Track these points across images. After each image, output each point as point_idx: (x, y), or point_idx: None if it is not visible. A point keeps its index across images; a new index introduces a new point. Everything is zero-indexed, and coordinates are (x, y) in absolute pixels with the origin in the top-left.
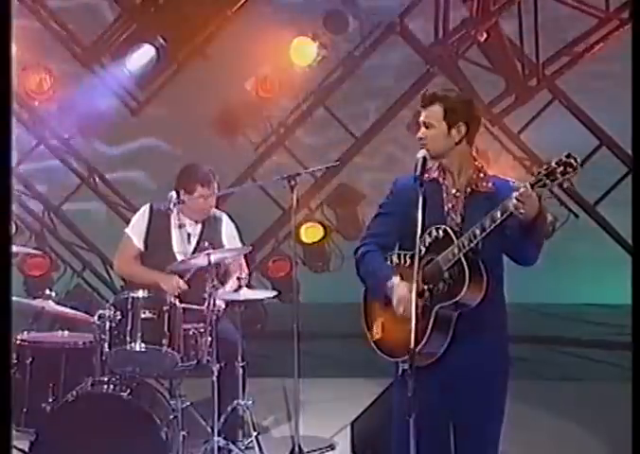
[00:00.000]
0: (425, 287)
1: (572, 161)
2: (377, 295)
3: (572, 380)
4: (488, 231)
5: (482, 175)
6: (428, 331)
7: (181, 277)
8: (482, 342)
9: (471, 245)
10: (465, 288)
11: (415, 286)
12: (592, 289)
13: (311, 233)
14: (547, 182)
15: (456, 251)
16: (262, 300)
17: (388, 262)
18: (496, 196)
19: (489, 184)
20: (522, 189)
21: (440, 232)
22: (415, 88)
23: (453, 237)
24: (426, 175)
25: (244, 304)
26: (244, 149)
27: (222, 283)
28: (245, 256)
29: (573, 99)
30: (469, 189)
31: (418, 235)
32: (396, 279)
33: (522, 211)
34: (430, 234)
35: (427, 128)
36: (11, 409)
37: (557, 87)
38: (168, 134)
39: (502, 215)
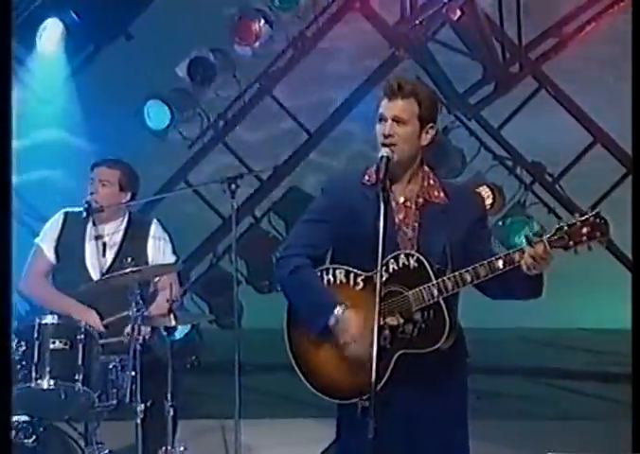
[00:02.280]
0: (385, 322)
1: (602, 224)
2: (313, 324)
3: (565, 419)
4: (481, 280)
5: (432, 182)
6: (384, 379)
7: (97, 299)
8: (445, 392)
9: (455, 291)
10: (444, 338)
11: (376, 323)
12: (587, 313)
13: (257, 245)
14: (570, 243)
15: (436, 293)
16: (197, 325)
17: (329, 277)
18: (452, 208)
19: (441, 194)
20: (537, 247)
21: (411, 260)
22: (377, 75)
23: (430, 273)
24: (366, 177)
25: (176, 330)
26: (176, 147)
27: (149, 306)
28: (178, 273)
29: (562, 89)
30: (420, 200)
31: (380, 255)
32: (342, 309)
33: (534, 271)
34: (396, 259)
35: (399, 123)
36: (11, 410)
37: (543, 74)
38: (80, 127)
39: (504, 266)
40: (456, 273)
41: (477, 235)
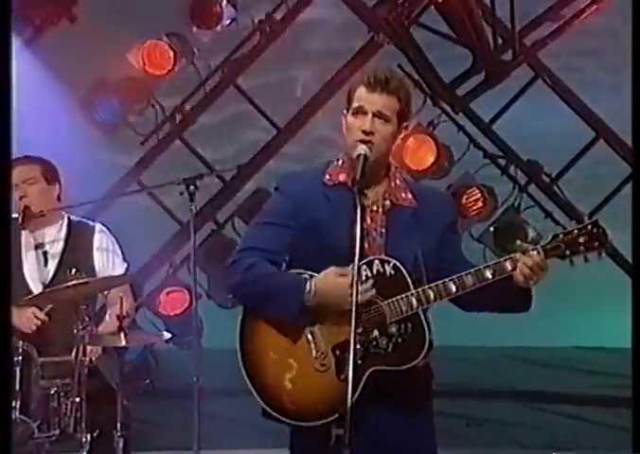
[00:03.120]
0: (359, 337)
1: (600, 234)
2: (286, 306)
3: (562, 449)
4: (468, 290)
5: (398, 182)
6: (355, 396)
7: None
8: (416, 414)
9: (438, 302)
10: (423, 353)
11: (352, 339)
12: (585, 330)
13: (219, 254)
14: (566, 252)
15: (415, 304)
16: (152, 345)
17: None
18: (421, 211)
19: (409, 196)
20: (533, 255)
21: (387, 267)
22: (354, 63)
23: (409, 281)
24: (327, 177)
25: (127, 351)
26: (128, 143)
27: (97, 323)
28: (130, 286)
29: (561, 78)
30: (387, 202)
31: (356, 261)
32: (314, 280)
33: (530, 282)
34: (370, 265)
35: (380, 120)
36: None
37: (540, 62)
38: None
39: (494, 276)
40: (439, 283)
41: (449, 241)
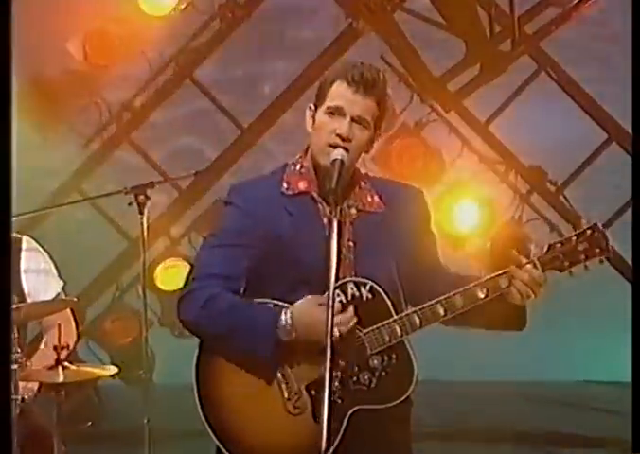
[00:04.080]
0: (336, 373)
1: (600, 238)
2: (258, 345)
3: None
4: (458, 313)
5: (363, 185)
6: (335, 444)
7: None
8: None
9: (423, 327)
10: (412, 387)
11: (327, 375)
12: (595, 361)
13: (172, 275)
14: (565, 264)
15: (399, 331)
16: (95, 381)
17: None
18: (391, 215)
19: (376, 199)
20: (529, 268)
21: (364, 290)
22: (329, 53)
23: (389, 306)
24: (285, 186)
25: (66, 388)
26: (68, 146)
27: (30, 355)
28: (72, 312)
29: (567, 72)
30: (353, 210)
31: (332, 283)
32: (289, 310)
33: (524, 300)
34: (343, 289)
35: (360, 126)
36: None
37: (543, 53)
38: None
39: (487, 296)
40: (425, 306)
41: (425, 245)
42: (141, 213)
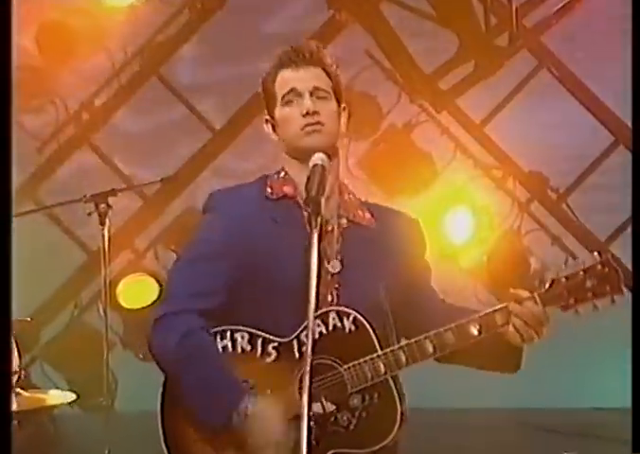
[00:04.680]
0: (312, 412)
1: (613, 274)
2: (208, 419)
3: None
4: (448, 351)
5: (352, 197)
6: None
7: None
8: None
9: (410, 365)
10: (395, 429)
11: (305, 413)
12: (602, 388)
13: (136, 292)
14: (570, 301)
15: (383, 369)
16: (51, 409)
17: (226, 343)
18: (382, 234)
19: (367, 214)
20: (529, 305)
21: (347, 321)
22: None
23: (374, 340)
24: (269, 191)
25: (18, 417)
26: (20, 150)
27: None
28: (25, 332)
29: (571, 69)
30: (343, 220)
31: (311, 311)
32: (253, 403)
33: (526, 340)
34: (324, 319)
35: (320, 98)
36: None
37: (544, 48)
38: None
39: (481, 333)
40: (412, 342)
41: (417, 271)
42: (102, 223)
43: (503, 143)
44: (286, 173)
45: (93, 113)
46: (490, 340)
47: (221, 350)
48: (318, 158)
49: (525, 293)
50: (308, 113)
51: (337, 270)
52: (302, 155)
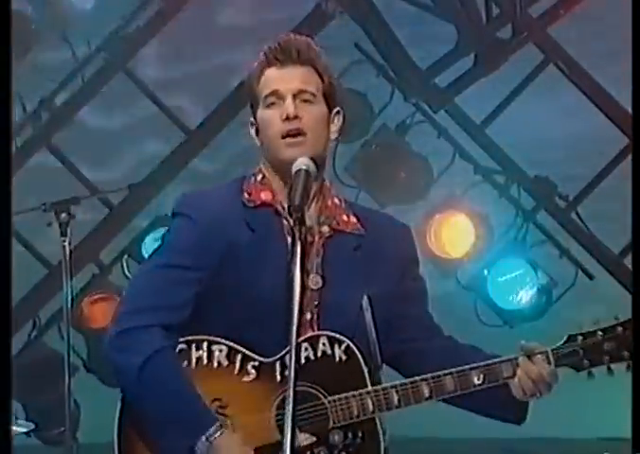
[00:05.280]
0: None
1: (631, 337)
2: (172, 447)
3: None
4: (445, 396)
5: (337, 201)
6: None
7: None
8: None
9: (402, 407)
10: None
11: (288, 444)
12: (612, 417)
13: (101, 310)
14: (584, 362)
15: (371, 407)
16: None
17: (200, 354)
18: (369, 243)
19: (352, 219)
20: (539, 362)
21: (337, 349)
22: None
23: (365, 373)
24: (246, 196)
25: None
26: None
27: None
28: None
29: (581, 64)
30: (326, 228)
31: (293, 333)
32: (217, 431)
33: (527, 397)
34: (313, 343)
35: (304, 101)
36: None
37: (551, 41)
38: None
39: (484, 383)
40: (408, 382)
41: (409, 290)
42: (63, 234)
43: (506, 145)
44: (264, 177)
45: (53, 112)
46: (495, 393)
47: (194, 361)
48: (302, 163)
49: (538, 347)
50: (288, 118)
51: (318, 286)
52: (281, 167)
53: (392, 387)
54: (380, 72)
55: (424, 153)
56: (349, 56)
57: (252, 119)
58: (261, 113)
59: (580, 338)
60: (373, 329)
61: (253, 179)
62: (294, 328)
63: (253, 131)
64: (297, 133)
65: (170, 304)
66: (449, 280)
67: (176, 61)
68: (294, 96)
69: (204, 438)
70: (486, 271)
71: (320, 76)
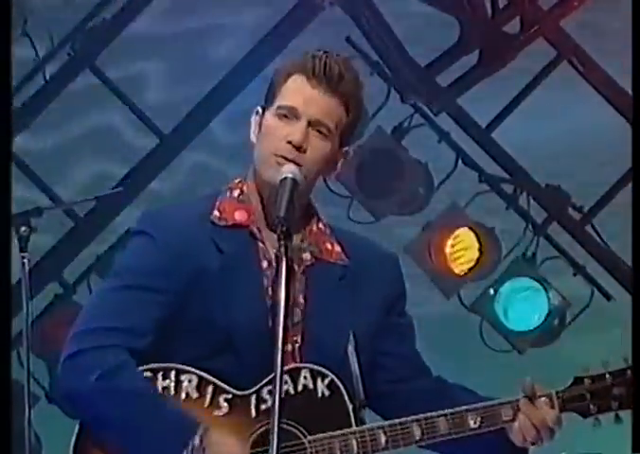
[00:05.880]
0: None
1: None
2: None
3: None
4: (438, 439)
5: (321, 227)
6: None
7: None
8: None
9: (388, 450)
10: None
11: None
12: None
13: (66, 335)
14: (592, 407)
15: (355, 448)
16: None
17: (167, 384)
18: (354, 273)
19: (336, 248)
20: (542, 406)
21: (321, 383)
22: (275, 36)
23: (350, 412)
24: (216, 214)
25: None
26: None
27: None
28: None
29: (597, 61)
30: (307, 255)
31: (278, 362)
32: (208, 437)
33: (531, 443)
34: (294, 376)
35: (319, 132)
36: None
37: (564, 35)
38: None
39: (480, 427)
40: (397, 423)
41: (395, 325)
42: (23, 251)
43: (514, 151)
44: (242, 192)
45: (10, 116)
46: (489, 434)
47: (160, 390)
48: (289, 170)
49: (540, 389)
50: (291, 143)
51: (297, 319)
52: (265, 173)
53: (379, 427)
54: (374, 69)
55: (423, 160)
56: (340, 51)
57: (259, 108)
58: (270, 116)
59: (588, 381)
60: (357, 365)
61: (228, 194)
62: (279, 358)
63: (255, 121)
64: (295, 162)
65: (133, 327)
66: (451, 300)
67: (142, 63)
68: (309, 123)
69: (197, 439)
70: (492, 291)
71: (347, 111)
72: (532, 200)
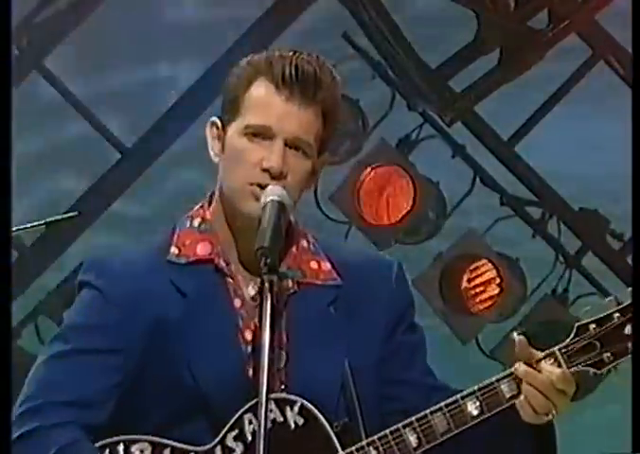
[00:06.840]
0: None
1: None
2: None
3: None
4: (439, 441)
5: (305, 245)
6: None
7: None
8: None
9: None
10: None
11: None
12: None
13: None
14: (605, 356)
15: None
16: None
17: None
18: (350, 295)
19: (326, 266)
20: (546, 367)
21: (290, 413)
22: (258, 33)
23: (330, 432)
24: (175, 250)
25: None
26: None
27: None
28: None
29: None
30: (289, 283)
31: (262, 414)
32: None
33: (539, 417)
34: (256, 412)
35: (297, 151)
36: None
37: (601, 32)
38: None
39: (483, 413)
40: (387, 433)
41: (403, 345)
42: None
43: (541, 168)
44: (204, 220)
45: None
46: (506, 425)
47: None
48: (274, 192)
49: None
50: (270, 173)
51: (282, 363)
52: (241, 205)
53: (369, 443)
54: (376, 72)
55: (435, 178)
56: (336, 50)
57: (216, 120)
58: (236, 136)
59: (593, 325)
60: (357, 405)
61: (188, 224)
62: (263, 412)
63: (213, 135)
64: (277, 179)
65: (87, 399)
66: (467, 346)
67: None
68: (286, 143)
69: None
70: (516, 334)
71: (325, 119)
72: (563, 227)
